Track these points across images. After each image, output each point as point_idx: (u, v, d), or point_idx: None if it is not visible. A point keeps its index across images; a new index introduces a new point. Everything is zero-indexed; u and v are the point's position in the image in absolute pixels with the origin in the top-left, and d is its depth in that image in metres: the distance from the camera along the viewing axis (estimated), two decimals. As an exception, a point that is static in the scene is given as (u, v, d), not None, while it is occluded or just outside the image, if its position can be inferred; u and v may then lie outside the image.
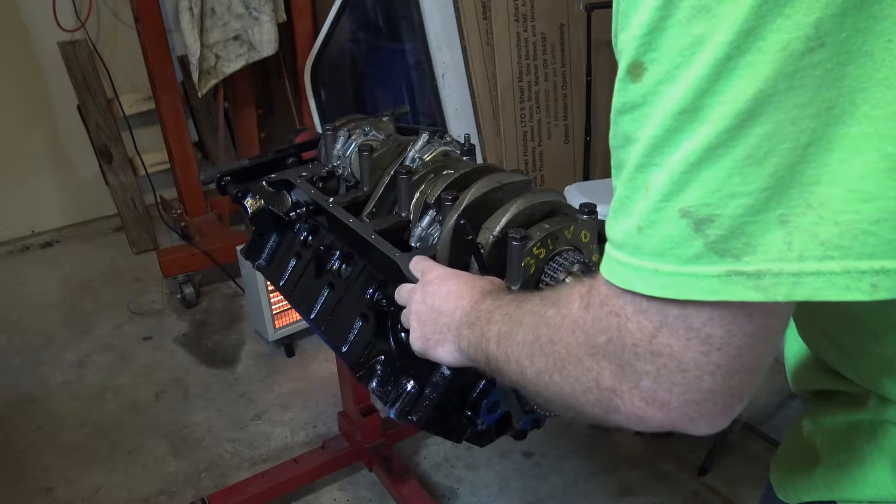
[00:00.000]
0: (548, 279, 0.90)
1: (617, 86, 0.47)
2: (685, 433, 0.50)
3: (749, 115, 0.40)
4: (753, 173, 0.41)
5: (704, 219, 0.42)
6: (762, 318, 0.45)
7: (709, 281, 0.43)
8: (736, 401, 0.48)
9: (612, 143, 0.49)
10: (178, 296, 2.83)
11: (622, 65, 0.46)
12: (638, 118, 0.45)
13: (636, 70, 0.45)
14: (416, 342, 0.83)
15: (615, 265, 0.48)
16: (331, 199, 1.19)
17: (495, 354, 0.66)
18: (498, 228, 0.94)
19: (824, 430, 0.66)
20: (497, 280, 0.84)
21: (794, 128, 0.40)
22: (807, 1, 0.39)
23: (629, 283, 0.47)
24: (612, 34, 0.48)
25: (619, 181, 0.48)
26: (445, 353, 0.79)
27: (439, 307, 0.80)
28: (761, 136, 0.41)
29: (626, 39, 0.45)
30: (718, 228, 0.42)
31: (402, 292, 0.89)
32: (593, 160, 2.64)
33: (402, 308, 0.93)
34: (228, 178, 1.36)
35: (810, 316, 0.67)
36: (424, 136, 1.21)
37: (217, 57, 2.75)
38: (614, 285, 0.48)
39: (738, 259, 0.42)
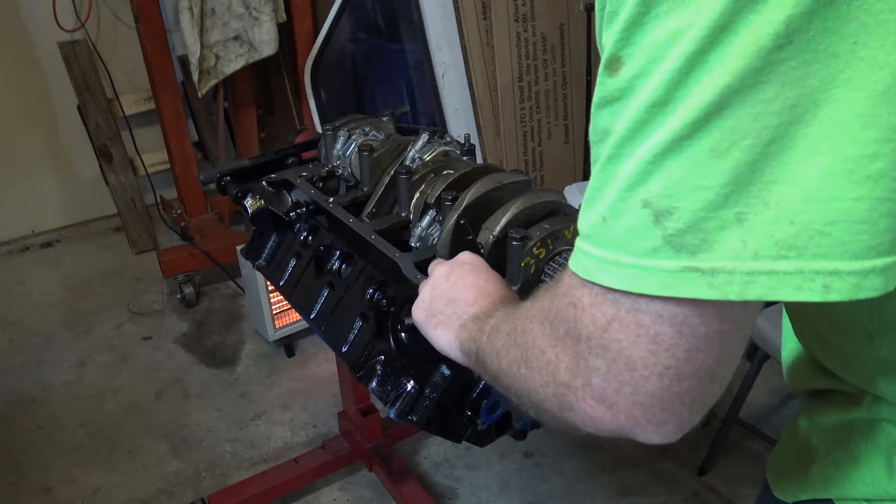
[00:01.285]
0: (548, 279, 0.90)
1: (597, 81, 0.47)
2: (636, 440, 0.49)
3: (715, 109, 0.40)
4: (715, 167, 0.41)
5: (664, 211, 0.42)
6: (716, 322, 0.44)
7: (663, 275, 0.43)
8: (685, 409, 0.47)
9: (591, 137, 0.49)
10: (178, 296, 2.83)
11: (602, 60, 0.46)
12: (614, 112, 0.46)
13: (614, 65, 0.45)
14: (420, 312, 0.82)
15: (580, 255, 0.48)
16: (331, 199, 1.19)
17: (483, 346, 0.67)
18: (498, 228, 0.94)
19: (820, 428, 0.66)
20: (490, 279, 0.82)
21: (757, 124, 0.40)
22: None
23: (590, 274, 0.47)
24: (597, 33, 0.49)
25: (592, 173, 0.48)
26: (442, 337, 0.78)
27: (458, 293, 0.79)
28: (725, 130, 0.41)
29: (607, 36, 0.46)
30: (677, 221, 0.42)
31: (433, 264, 0.88)
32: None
33: (402, 307, 0.93)
34: (228, 178, 1.36)
35: (804, 317, 0.67)
36: (424, 136, 1.21)
37: (217, 57, 2.75)
38: (577, 275, 0.48)
39: (693, 255, 0.42)
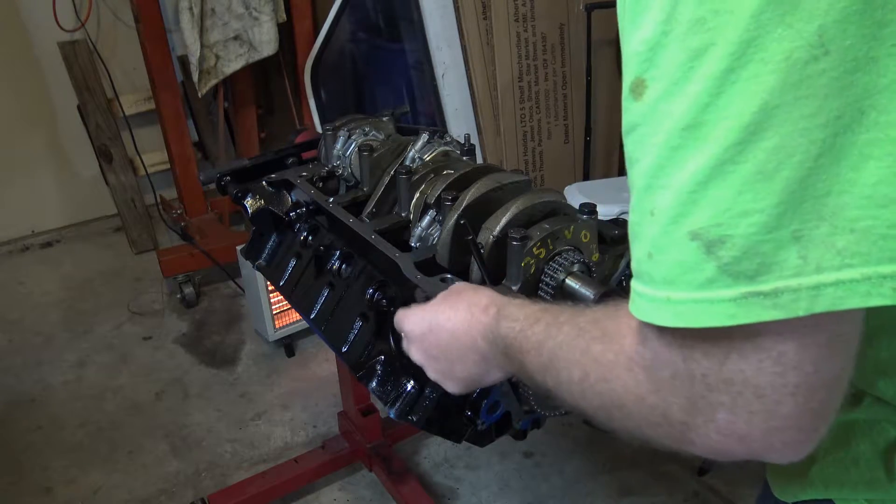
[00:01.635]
0: (548, 279, 0.90)
1: (623, 106, 0.46)
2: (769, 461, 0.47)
3: (756, 129, 0.39)
4: (764, 189, 0.40)
5: (716, 241, 0.41)
6: (833, 325, 0.42)
7: (724, 305, 0.41)
8: (821, 422, 0.44)
9: (626, 164, 0.47)
10: (178, 296, 2.83)
11: (625, 83, 0.45)
12: (639, 138, 0.44)
13: (638, 88, 0.44)
14: (458, 388, 0.79)
15: (634, 296, 0.46)
16: (331, 199, 1.19)
17: (543, 383, 0.62)
18: (498, 228, 0.94)
19: None
20: (479, 290, 0.77)
21: (804, 139, 0.39)
22: (807, 8, 0.38)
23: (646, 315, 0.45)
24: (620, 32, 0.47)
25: (630, 207, 0.47)
26: (494, 377, 0.75)
27: (452, 356, 0.75)
28: (770, 150, 0.39)
29: (628, 55, 0.44)
30: (731, 249, 0.41)
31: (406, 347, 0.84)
32: (593, 160, 2.64)
33: (402, 307, 0.93)
34: (228, 178, 1.36)
35: None
36: (424, 136, 1.21)
37: (217, 57, 2.75)
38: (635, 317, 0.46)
39: (752, 280, 0.41)
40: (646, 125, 0.43)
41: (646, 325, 0.47)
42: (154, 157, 3.29)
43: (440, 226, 1.03)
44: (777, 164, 0.39)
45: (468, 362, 0.74)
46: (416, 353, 0.81)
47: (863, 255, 0.39)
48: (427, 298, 0.85)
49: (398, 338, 1.01)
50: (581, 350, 0.55)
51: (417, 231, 1.06)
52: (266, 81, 3.28)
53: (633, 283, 0.46)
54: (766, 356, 0.42)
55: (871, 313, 0.51)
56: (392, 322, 1.01)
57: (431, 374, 0.80)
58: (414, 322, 0.80)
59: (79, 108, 3.14)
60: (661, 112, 0.42)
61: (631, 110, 0.44)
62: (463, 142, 1.23)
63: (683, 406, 0.46)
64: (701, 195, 0.41)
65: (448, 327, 0.75)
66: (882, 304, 0.40)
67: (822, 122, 0.39)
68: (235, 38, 2.75)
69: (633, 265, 0.46)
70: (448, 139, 1.23)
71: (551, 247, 0.91)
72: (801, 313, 0.40)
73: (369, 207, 1.15)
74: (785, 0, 0.38)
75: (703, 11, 0.40)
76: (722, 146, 0.40)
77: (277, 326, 2.43)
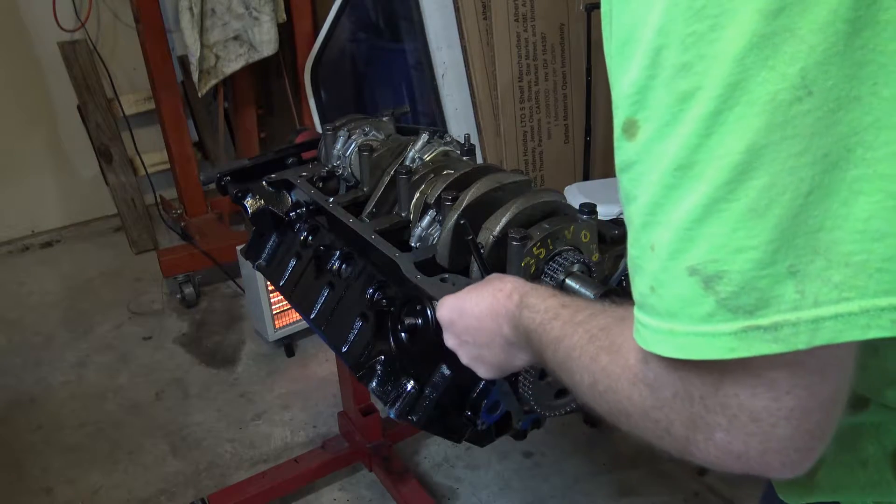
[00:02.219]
0: (548, 279, 0.90)
1: (615, 144, 0.47)
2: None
3: (746, 168, 0.40)
4: (757, 226, 0.41)
5: (713, 276, 0.42)
6: (825, 353, 0.43)
7: (725, 339, 0.42)
8: (817, 442, 0.45)
9: (620, 198, 0.49)
10: (178, 296, 2.83)
11: (617, 122, 0.46)
12: (635, 176, 0.46)
13: (631, 128, 0.45)
14: (490, 373, 0.81)
15: (638, 326, 0.48)
16: (331, 199, 1.19)
17: (560, 378, 0.64)
18: (498, 228, 0.94)
19: None
20: (504, 277, 0.80)
21: (793, 177, 0.40)
22: (789, 52, 0.39)
23: (649, 344, 0.46)
24: (609, 73, 0.48)
25: (629, 241, 0.48)
26: (522, 361, 0.77)
27: (481, 340, 0.78)
28: (760, 189, 0.40)
29: (618, 96, 0.46)
30: (728, 285, 0.42)
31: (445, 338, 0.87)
32: (593, 160, 2.64)
33: (402, 307, 0.93)
34: (228, 178, 1.36)
35: None
36: (424, 136, 1.21)
37: (217, 57, 2.75)
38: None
39: (751, 314, 0.42)
40: (641, 163, 0.45)
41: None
42: (154, 157, 3.29)
43: (440, 226, 1.03)
44: (768, 202, 0.40)
45: (495, 347, 0.76)
46: (449, 339, 0.84)
47: (859, 288, 0.40)
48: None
49: (398, 338, 1.02)
50: (591, 357, 0.56)
51: (417, 231, 1.06)
52: (266, 81, 3.28)
53: (637, 314, 0.47)
54: (759, 382, 0.43)
55: None
56: (391, 322, 1.01)
57: (464, 359, 0.83)
58: (446, 309, 0.83)
59: (79, 108, 3.14)
60: (655, 152, 0.44)
61: (625, 149, 0.46)
62: (463, 142, 1.23)
63: (684, 423, 0.47)
64: (697, 232, 0.42)
65: (475, 313, 0.77)
66: (881, 335, 0.40)
67: (809, 161, 0.40)
68: (235, 38, 2.75)
69: (636, 297, 0.47)
70: (448, 139, 1.23)
71: (551, 247, 0.91)
72: (801, 346, 0.41)
73: (369, 207, 1.15)
74: (767, 44, 0.39)
75: (688, 56, 0.41)
76: (714, 185, 0.41)
77: (277, 326, 2.43)
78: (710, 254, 0.42)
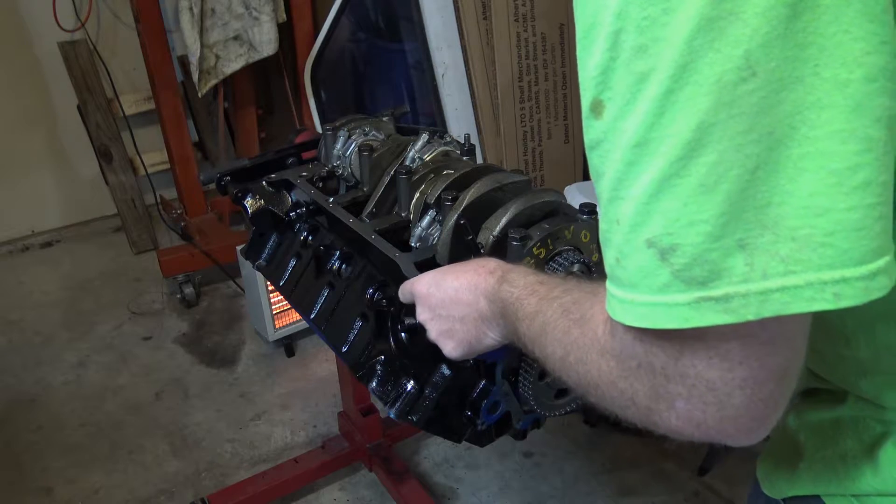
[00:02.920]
0: (548, 279, 0.90)
1: (584, 124, 0.49)
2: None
3: (696, 145, 0.42)
4: (708, 201, 0.43)
5: (668, 248, 0.44)
6: (775, 325, 0.45)
7: (680, 309, 0.44)
8: (771, 411, 0.48)
9: (591, 175, 0.51)
10: (178, 296, 2.83)
11: (584, 103, 0.48)
12: (602, 154, 0.48)
13: (597, 108, 0.47)
14: (456, 351, 0.82)
15: (608, 296, 0.50)
16: (331, 199, 1.19)
17: (532, 352, 0.67)
18: (498, 228, 0.94)
19: (808, 425, 0.67)
20: (487, 258, 0.82)
21: (740, 154, 0.42)
22: (734, 34, 0.40)
23: (616, 314, 0.49)
24: (577, 58, 0.50)
25: (599, 215, 0.50)
26: (491, 340, 0.78)
27: (455, 313, 0.79)
28: (710, 165, 0.42)
29: (585, 78, 0.48)
30: (681, 257, 0.44)
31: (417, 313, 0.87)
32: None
33: (402, 307, 0.93)
34: (228, 178, 1.36)
35: None
36: (424, 136, 1.21)
37: (217, 57, 2.75)
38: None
39: (704, 286, 0.44)
40: (607, 141, 0.47)
41: (614, 322, 0.51)
42: (154, 157, 3.29)
43: (440, 226, 1.03)
44: (717, 178, 0.42)
45: (468, 322, 0.78)
46: (422, 313, 0.84)
47: (804, 262, 0.42)
48: None
49: (398, 338, 1.02)
50: (563, 330, 0.59)
51: (417, 231, 1.06)
52: (266, 81, 3.28)
53: (608, 285, 0.50)
54: (714, 353, 0.46)
55: (846, 315, 0.53)
56: (391, 322, 1.01)
57: (433, 333, 0.83)
58: (423, 283, 0.84)
59: (79, 108, 3.14)
60: (618, 129, 0.46)
61: (593, 127, 0.48)
62: (463, 142, 1.23)
63: (647, 393, 0.50)
64: (653, 206, 0.44)
65: (454, 285, 0.79)
66: (825, 308, 0.42)
67: (755, 138, 0.42)
68: (235, 38, 2.75)
69: (607, 269, 0.50)
70: (448, 139, 1.23)
71: (551, 247, 0.91)
72: (750, 317, 0.43)
73: (369, 207, 1.15)
74: (714, 27, 0.41)
75: (643, 39, 0.43)
76: (668, 161, 0.43)
77: (277, 326, 2.43)
78: (664, 227, 0.44)
